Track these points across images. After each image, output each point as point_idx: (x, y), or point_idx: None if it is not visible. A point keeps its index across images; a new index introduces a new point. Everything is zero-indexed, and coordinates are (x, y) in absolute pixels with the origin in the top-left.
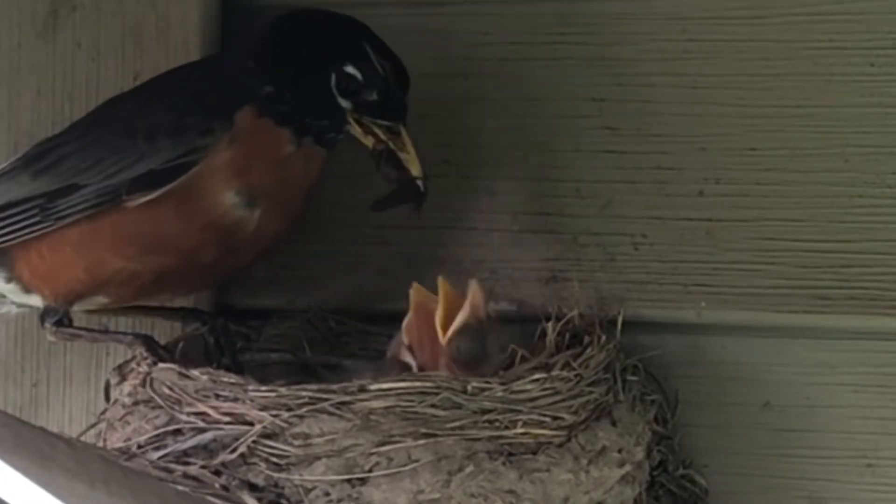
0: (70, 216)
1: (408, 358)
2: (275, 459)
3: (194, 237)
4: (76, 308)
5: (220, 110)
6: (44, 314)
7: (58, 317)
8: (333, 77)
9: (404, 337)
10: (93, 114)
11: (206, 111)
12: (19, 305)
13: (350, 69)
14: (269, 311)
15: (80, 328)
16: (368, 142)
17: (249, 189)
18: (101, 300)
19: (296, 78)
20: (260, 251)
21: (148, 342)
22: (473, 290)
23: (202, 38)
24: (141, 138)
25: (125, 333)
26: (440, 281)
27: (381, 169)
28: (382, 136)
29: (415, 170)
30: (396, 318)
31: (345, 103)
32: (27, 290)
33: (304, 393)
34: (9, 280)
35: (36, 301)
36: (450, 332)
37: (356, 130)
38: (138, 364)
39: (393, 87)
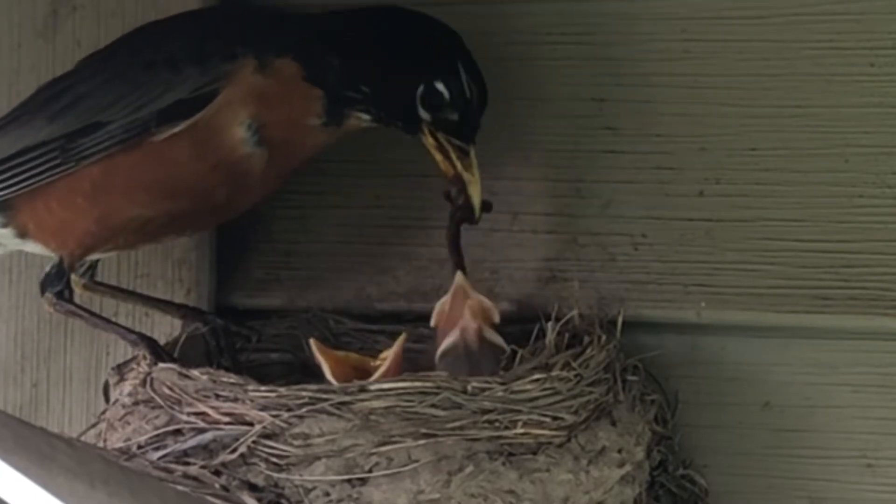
0: (95, 154)
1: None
2: (275, 459)
3: (206, 177)
4: (89, 259)
5: (247, 40)
6: (45, 282)
7: (59, 287)
8: (421, 88)
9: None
10: (105, 51)
11: (229, 38)
12: (15, 248)
13: (440, 86)
14: (269, 311)
15: (81, 307)
16: (438, 157)
17: (262, 124)
18: (110, 248)
19: (382, 78)
20: (266, 192)
21: (152, 346)
22: (469, 311)
23: None
24: (163, 69)
25: (129, 330)
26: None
27: (448, 187)
28: (453, 155)
29: (475, 194)
30: (396, 318)
31: (425, 115)
32: (22, 235)
33: (304, 393)
34: (5, 225)
35: (31, 247)
36: (438, 353)
37: (429, 142)
38: (138, 364)
39: (474, 110)
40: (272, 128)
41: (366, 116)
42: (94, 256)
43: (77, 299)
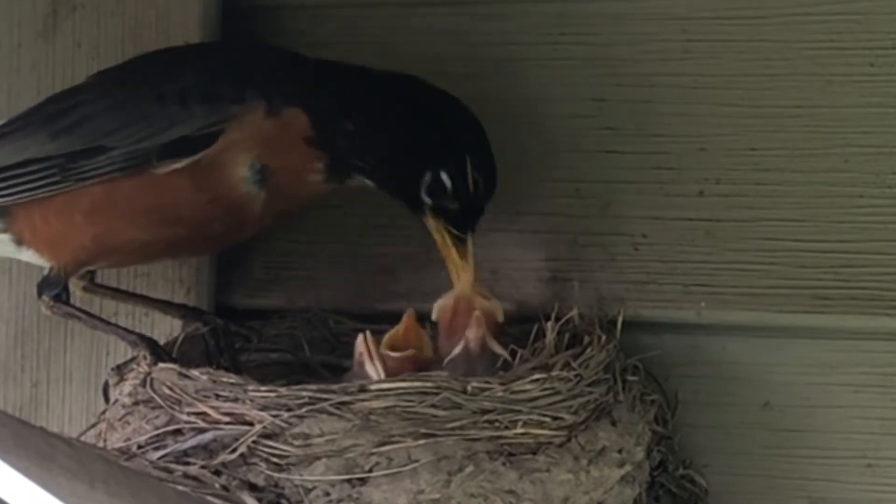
0: (93, 178)
1: (370, 370)
2: (275, 459)
3: (204, 209)
4: (76, 272)
5: (255, 83)
6: (42, 285)
7: (56, 290)
8: (427, 175)
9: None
10: (117, 72)
11: (241, 79)
12: (10, 256)
13: (444, 177)
14: (269, 311)
15: (79, 309)
16: (437, 238)
17: (263, 167)
18: (102, 264)
19: (390, 156)
20: (262, 229)
21: (152, 346)
22: (475, 321)
23: (202, 37)
24: (172, 103)
25: (129, 331)
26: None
27: None
28: (449, 242)
29: (466, 281)
30: (396, 318)
31: (427, 200)
32: (19, 242)
33: (304, 393)
34: (3, 231)
35: (27, 256)
36: (444, 362)
37: (430, 224)
38: (138, 364)
39: (477, 202)
40: (274, 173)
41: (369, 183)
42: (86, 269)
43: (77, 301)
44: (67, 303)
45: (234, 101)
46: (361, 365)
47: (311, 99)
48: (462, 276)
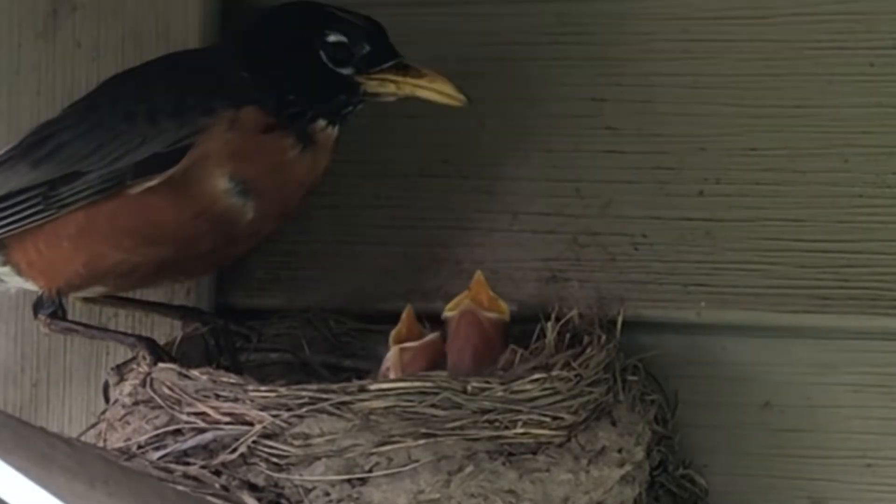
0: (74, 203)
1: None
2: (275, 459)
3: (189, 226)
4: (74, 296)
5: (223, 93)
6: (37, 305)
7: (52, 308)
8: (323, 54)
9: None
10: (89, 97)
11: (207, 91)
12: (17, 286)
13: (333, 37)
14: (269, 311)
15: (76, 322)
16: (390, 90)
17: (243, 178)
18: (99, 290)
19: (290, 74)
20: (257, 241)
21: (151, 345)
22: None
23: (202, 38)
24: (142, 121)
25: (126, 334)
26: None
27: None
28: (398, 78)
29: (445, 87)
30: (396, 318)
31: (346, 71)
32: (20, 275)
33: (304, 393)
34: (4, 264)
35: (32, 285)
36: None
37: (372, 86)
38: (138, 364)
39: (375, 32)
40: (255, 179)
41: (322, 122)
42: (83, 294)
43: (77, 311)
44: (64, 318)
45: (202, 113)
46: (386, 377)
47: (250, 85)
48: (440, 87)
